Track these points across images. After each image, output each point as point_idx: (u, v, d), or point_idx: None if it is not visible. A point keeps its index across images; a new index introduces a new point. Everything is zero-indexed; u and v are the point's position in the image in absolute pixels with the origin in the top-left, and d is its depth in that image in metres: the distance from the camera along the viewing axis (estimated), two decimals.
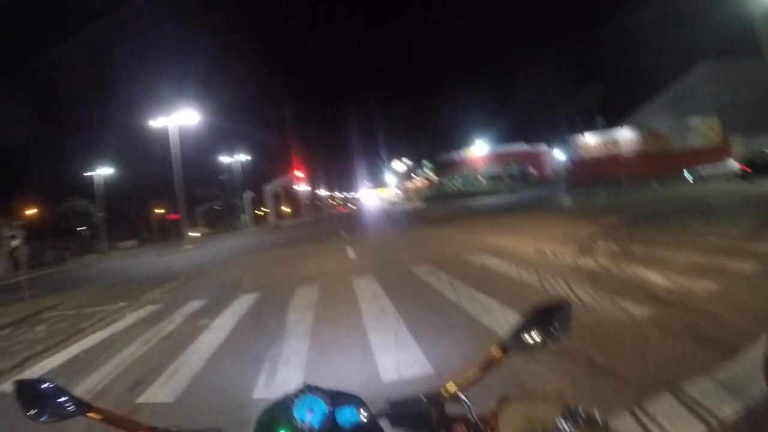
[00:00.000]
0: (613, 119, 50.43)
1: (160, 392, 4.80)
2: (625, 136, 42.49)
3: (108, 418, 1.05)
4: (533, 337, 1.12)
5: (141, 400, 4.66)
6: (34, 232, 45.98)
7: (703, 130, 39.17)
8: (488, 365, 1.08)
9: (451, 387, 1.06)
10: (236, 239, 40.14)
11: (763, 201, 15.32)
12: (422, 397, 1.05)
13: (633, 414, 3.14)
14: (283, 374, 4.69)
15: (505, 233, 13.94)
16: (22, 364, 6.95)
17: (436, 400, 1.05)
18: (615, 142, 42.62)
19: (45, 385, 1.09)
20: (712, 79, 42.32)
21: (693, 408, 3.13)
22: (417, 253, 12.36)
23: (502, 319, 5.37)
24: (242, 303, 8.87)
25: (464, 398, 1.06)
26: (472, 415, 1.03)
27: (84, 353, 7.11)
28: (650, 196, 23.37)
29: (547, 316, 1.18)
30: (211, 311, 8.52)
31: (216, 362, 5.54)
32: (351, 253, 14.55)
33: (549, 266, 8.34)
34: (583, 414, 0.99)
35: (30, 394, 1.09)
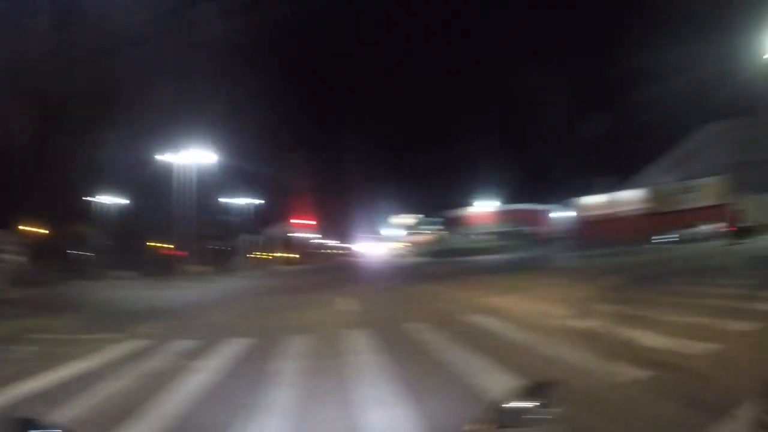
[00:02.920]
0: (620, 180, 51.22)
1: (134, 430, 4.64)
2: (630, 196, 43.29)
3: None
4: (517, 415, 1.07)
5: None
6: (38, 251, 46.18)
7: (710, 189, 40.34)
8: None
9: None
10: (233, 282, 39.79)
11: (758, 259, 16.36)
12: None
13: None
14: (263, 424, 4.54)
15: (504, 292, 13.99)
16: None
17: None
18: (620, 203, 43.45)
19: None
20: (720, 139, 42.65)
21: None
22: (413, 309, 12.26)
23: (490, 380, 5.29)
24: (233, 347, 8.68)
25: None
26: None
27: (66, 382, 6.89)
28: (652, 256, 23.68)
29: (534, 394, 1.14)
30: (200, 352, 8.30)
31: (198, 405, 5.34)
32: (346, 305, 14.42)
33: (543, 328, 8.35)
34: None
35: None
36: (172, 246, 56.82)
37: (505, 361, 6.10)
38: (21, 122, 34.17)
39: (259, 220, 72.97)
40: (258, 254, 76.30)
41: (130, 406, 5.36)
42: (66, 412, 5.41)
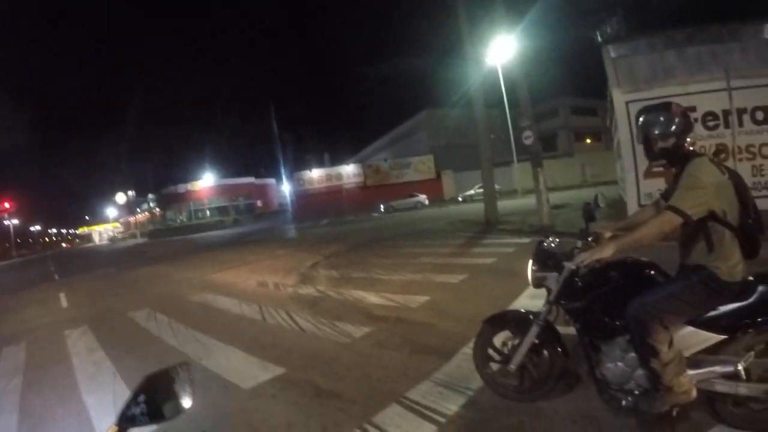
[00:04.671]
0: (340, 157, 55.00)
1: None
2: (349, 171, 47.86)
3: None
4: (149, 409, 1.04)
5: None
6: None
7: (419, 167, 48.04)
8: None
9: None
10: None
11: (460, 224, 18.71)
12: None
13: (363, 429, 3.26)
14: None
15: (229, 268, 13.95)
16: None
17: None
18: (339, 177, 47.47)
19: None
20: (430, 125, 51.93)
21: (420, 411, 3.50)
22: (137, 295, 11.32)
23: (223, 359, 5.35)
24: None
25: None
26: None
27: None
28: (370, 224, 25.74)
29: (164, 383, 1.11)
30: None
31: None
32: (65, 300, 12.58)
33: (271, 298, 8.63)
34: None
35: None
36: None
37: (235, 338, 6.19)
38: None
39: None
40: None
41: None
42: None
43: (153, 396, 1.06)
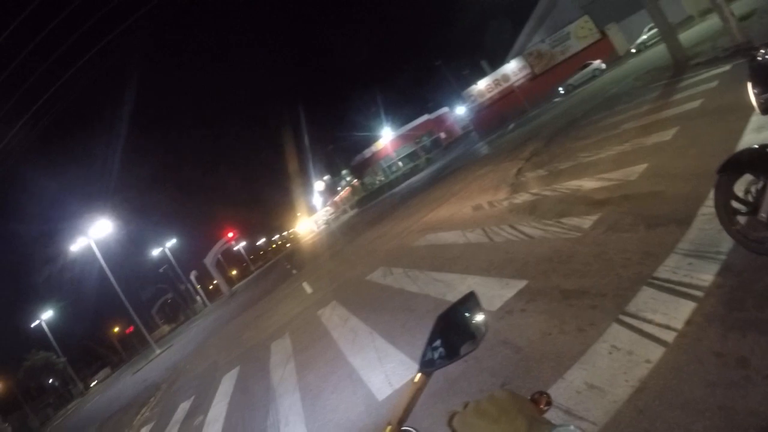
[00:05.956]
0: (496, 61, 51.86)
1: None
2: (513, 68, 44.40)
3: None
4: (445, 350, 1.04)
5: None
6: (7, 405, 43.90)
7: (578, 32, 41.61)
8: (415, 393, 1.05)
9: (391, 429, 1.04)
10: (199, 323, 38.85)
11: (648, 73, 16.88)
12: None
13: (620, 322, 3.14)
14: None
15: (439, 205, 14.14)
16: None
17: None
18: (506, 78, 44.42)
19: None
20: None
21: (673, 289, 3.18)
22: (366, 259, 12.35)
23: (465, 289, 5.32)
24: (226, 384, 8.61)
25: (411, 429, 1.09)
26: None
27: None
28: (556, 110, 24.36)
29: (454, 320, 1.10)
30: (201, 407, 8.22)
31: None
32: (307, 287, 14.32)
33: (490, 217, 8.50)
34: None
35: None
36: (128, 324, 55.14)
37: (470, 267, 6.23)
38: None
39: (187, 255, 71.38)
40: (207, 285, 74.85)
41: None
42: None
43: (448, 335, 1.10)
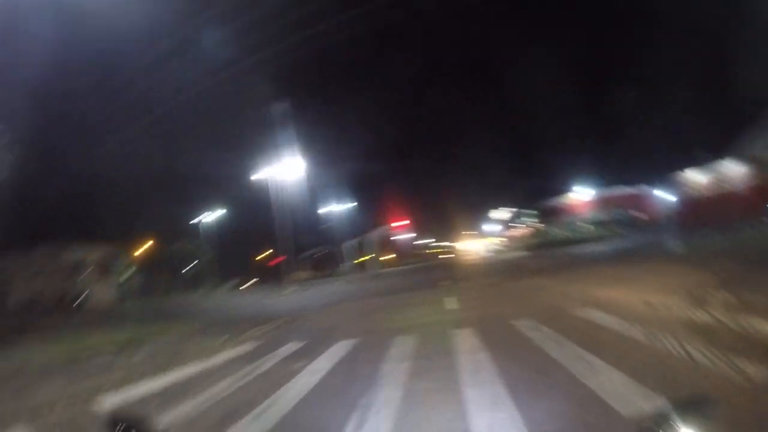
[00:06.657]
0: (714, 152, 45.14)
1: (248, 428, 4.90)
2: (733, 169, 38.35)
3: None
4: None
5: None
6: (145, 266, 49.58)
7: None
8: None
9: None
10: (336, 285, 40.75)
11: None
12: None
13: None
14: (372, 424, 4.54)
15: (612, 284, 13.03)
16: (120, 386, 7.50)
17: None
18: (724, 178, 38.79)
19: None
20: None
21: None
22: (519, 305, 11.88)
23: (607, 382, 4.85)
24: (339, 348, 8.90)
25: None
26: None
27: (180, 382, 7.49)
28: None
29: (684, 411, 1.02)
30: (308, 354, 8.60)
31: (307, 405, 5.52)
32: (450, 303, 14.21)
33: (658, 320, 7.66)
34: None
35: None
36: (275, 256, 58.85)
37: (620, 361, 5.61)
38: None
39: (357, 223, 74.22)
40: (359, 258, 77.73)
41: (247, 404, 5.67)
42: (180, 411, 5.82)
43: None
